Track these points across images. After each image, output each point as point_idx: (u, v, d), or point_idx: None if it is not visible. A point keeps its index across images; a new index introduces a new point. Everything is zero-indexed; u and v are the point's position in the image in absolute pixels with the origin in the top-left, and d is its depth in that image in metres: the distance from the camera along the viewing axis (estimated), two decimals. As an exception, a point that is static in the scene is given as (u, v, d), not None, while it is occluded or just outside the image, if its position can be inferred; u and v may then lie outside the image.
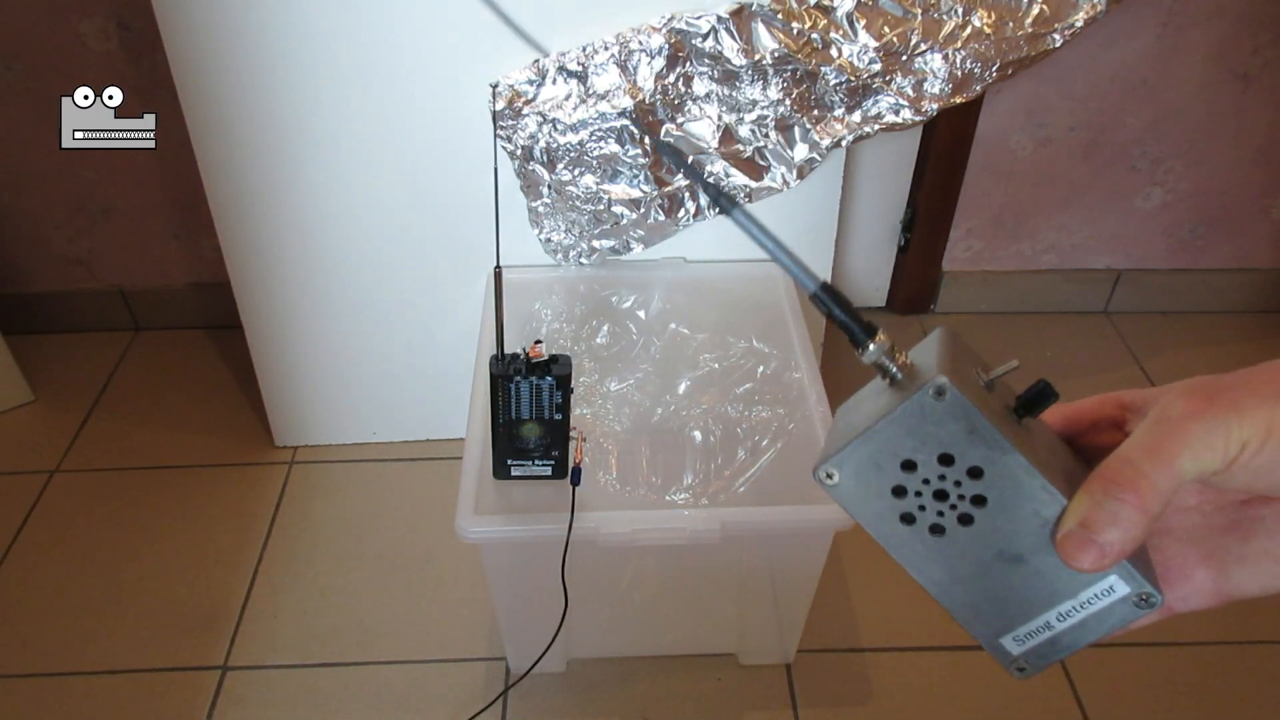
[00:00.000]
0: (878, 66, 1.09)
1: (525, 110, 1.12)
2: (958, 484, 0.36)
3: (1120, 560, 0.33)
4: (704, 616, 1.12)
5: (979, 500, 0.36)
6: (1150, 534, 0.33)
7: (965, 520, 0.36)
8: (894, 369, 0.37)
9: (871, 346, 0.37)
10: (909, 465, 0.36)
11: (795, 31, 1.07)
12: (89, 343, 1.68)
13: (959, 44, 1.08)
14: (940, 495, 0.36)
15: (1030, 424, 0.37)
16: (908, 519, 0.37)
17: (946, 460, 0.35)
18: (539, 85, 1.11)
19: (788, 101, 1.12)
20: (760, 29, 1.07)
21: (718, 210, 1.22)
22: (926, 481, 0.36)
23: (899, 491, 0.36)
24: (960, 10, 1.08)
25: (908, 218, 1.62)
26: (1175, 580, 0.38)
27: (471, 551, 1.06)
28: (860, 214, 1.61)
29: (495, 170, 1.03)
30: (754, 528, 0.95)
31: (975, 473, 0.35)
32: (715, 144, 1.15)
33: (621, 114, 1.11)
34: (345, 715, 1.12)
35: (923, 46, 1.08)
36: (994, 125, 1.50)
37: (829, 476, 0.37)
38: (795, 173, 1.18)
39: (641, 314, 1.24)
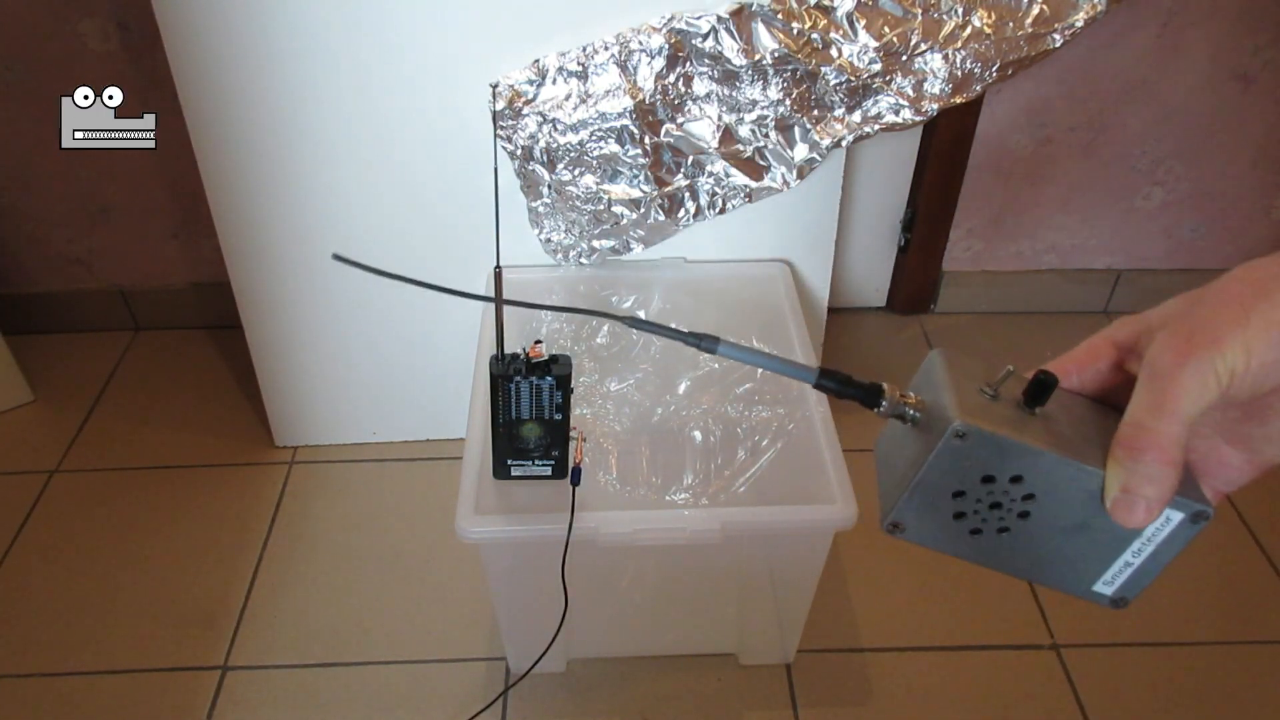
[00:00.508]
0: (878, 66, 1.09)
1: (525, 110, 1.12)
2: (1005, 492, 0.40)
3: (1165, 505, 0.38)
4: (704, 616, 1.12)
5: (1029, 498, 0.40)
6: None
7: (1024, 515, 0.41)
8: (911, 412, 0.42)
9: (884, 404, 0.42)
10: (959, 494, 0.41)
11: (795, 31, 1.07)
12: (89, 343, 1.68)
13: (959, 44, 1.08)
14: (995, 505, 0.41)
15: (1046, 410, 0.41)
16: (975, 532, 0.42)
17: (989, 479, 0.40)
18: (539, 85, 1.11)
19: (788, 101, 1.12)
20: (760, 29, 1.07)
21: (718, 210, 1.22)
22: (979, 500, 0.41)
23: (959, 515, 0.41)
24: (960, 10, 1.08)
25: (908, 218, 1.62)
26: (1214, 469, 0.42)
27: (471, 551, 1.06)
28: (860, 214, 1.61)
29: (495, 170, 1.03)
30: (754, 528, 0.95)
31: (1017, 479, 0.40)
32: (715, 144, 1.15)
33: (622, 114, 1.11)
34: (345, 715, 1.12)
35: (923, 46, 1.08)
36: (994, 125, 1.50)
37: (895, 528, 0.42)
38: (795, 173, 1.18)
39: (641, 314, 1.24)
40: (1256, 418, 0.40)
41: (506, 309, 0.93)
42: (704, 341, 0.42)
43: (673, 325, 0.44)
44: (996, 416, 0.39)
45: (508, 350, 0.90)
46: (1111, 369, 0.42)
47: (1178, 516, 0.40)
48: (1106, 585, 0.43)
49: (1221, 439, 0.41)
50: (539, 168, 1.16)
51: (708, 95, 1.12)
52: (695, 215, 1.22)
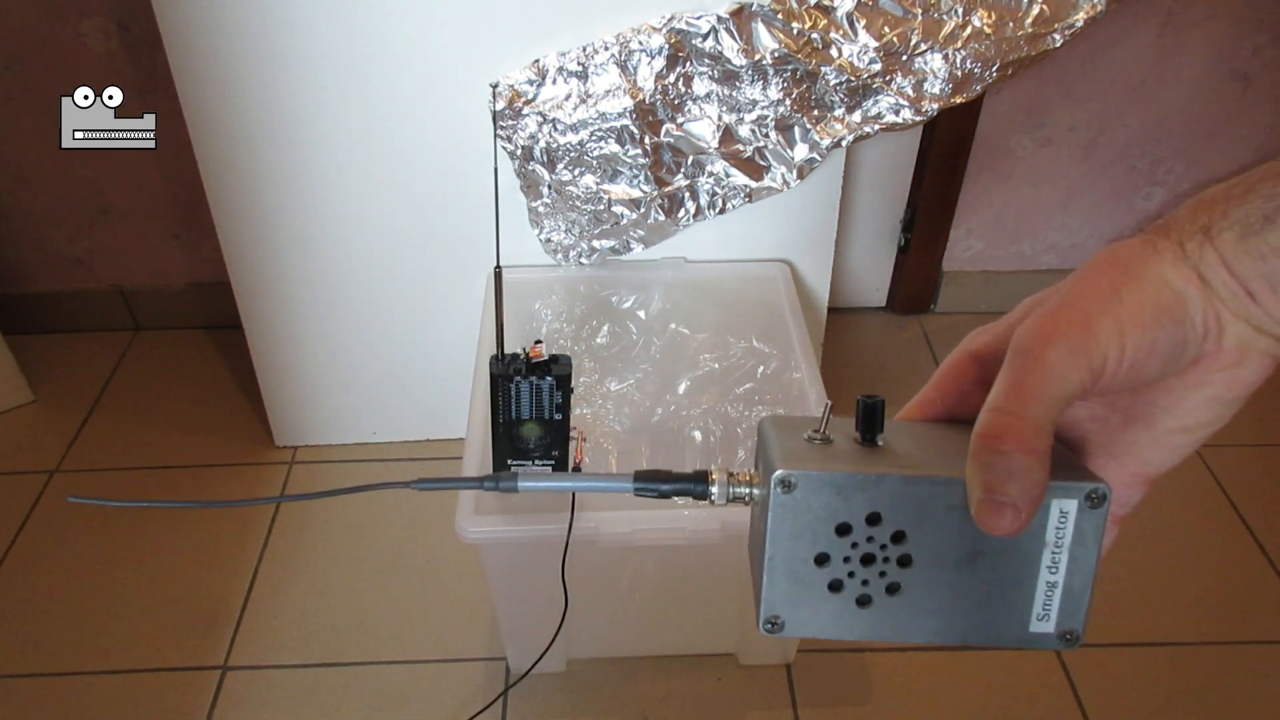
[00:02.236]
0: (878, 66, 1.09)
1: (525, 110, 1.12)
2: (870, 539, 0.34)
3: (1036, 504, 0.31)
4: (704, 616, 1.12)
5: (899, 537, 0.34)
6: (1048, 466, 0.32)
7: (905, 563, 0.35)
8: (746, 491, 0.37)
9: (714, 489, 0.37)
10: (822, 559, 0.35)
11: (795, 31, 1.07)
12: (89, 343, 1.68)
13: (959, 44, 1.08)
14: (867, 560, 0.35)
15: (888, 439, 0.36)
16: (864, 601, 0.35)
17: (844, 530, 0.34)
18: (539, 85, 1.11)
19: (788, 101, 1.12)
20: (760, 29, 1.07)
21: (718, 210, 1.22)
22: (847, 559, 0.35)
23: (835, 587, 0.35)
24: (960, 10, 1.08)
25: (908, 218, 1.62)
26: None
27: (471, 551, 1.06)
28: (860, 214, 1.61)
29: (495, 170, 1.04)
30: (754, 528, 0.95)
31: (874, 519, 0.34)
32: (715, 144, 1.15)
33: (622, 114, 1.11)
34: (345, 715, 1.12)
35: (923, 46, 1.08)
36: (994, 125, 1.50)
37: (773, 624, 0.36)
38: (795, 173, 1.18)
39: (641, 314, 1.24)
40: (1142, 421, 0.35)
41: (506, 308, 0.92)
42: (502, 482, 0.39)
43: (465, 475, 0.40)
44: (827, 456, 0.35)
45: (508, 350, 0.90)
46: (976, 387, 0.36)
47: (1072, 507, 0.34)
48: (1044, 621, 0.36)
49: (1105, 457, 0.37)
50: (539, 168, 1.16)
51: (708, 95, 1.12)
52: (695, 215, 1.22)
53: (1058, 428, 0.33)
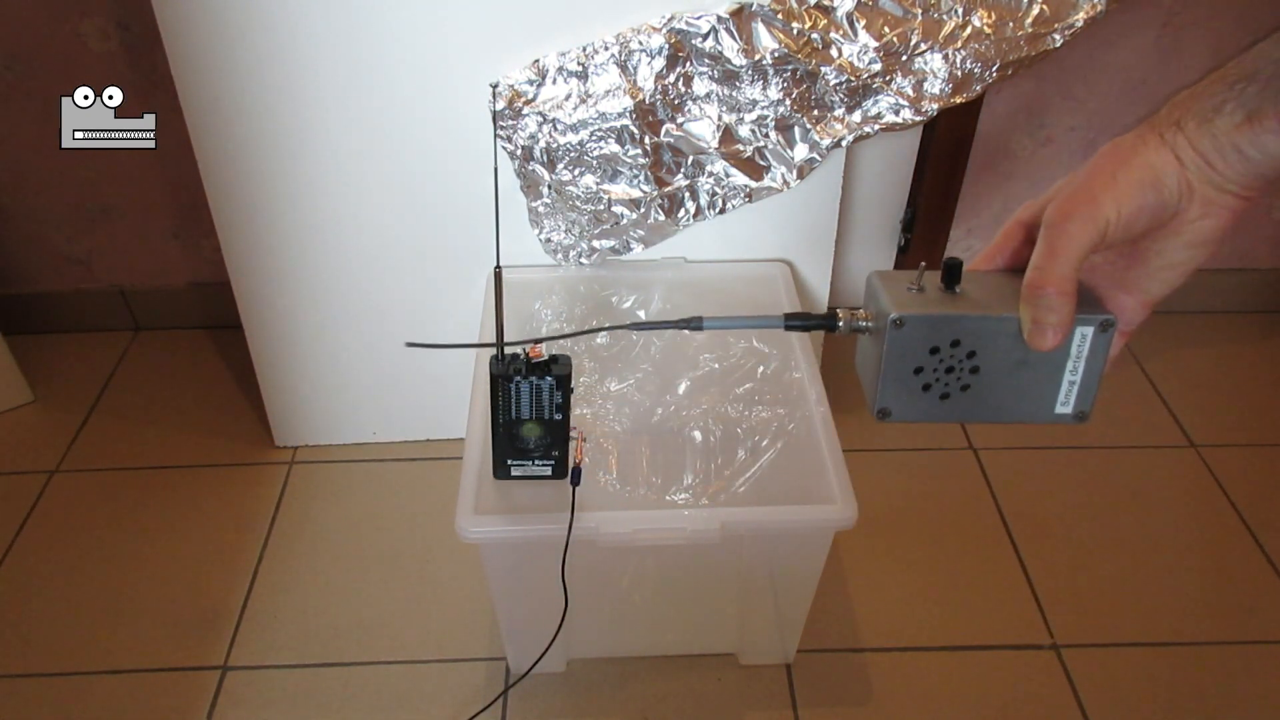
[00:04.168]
0: (878, 66, 1.09)
1: (525, 110, 1.12)
2: (952, 355, 0.52)
3: (1068, 329, 0.49)
4: (704, 616, 1.12)
5: (971, 355, 0.52)
6: (1077, 299, 0.48)
7: (974, 370, 0.52)
8: (864, 324, 0.55)
9: (841, 324, 0.56)
10: (918, 370, 0.52)
11: (795, 31, 1.07)
12: (89, 343, 1.68)
13: (959, 44, 1.08)
14: (949, 370, 0.52)
15: (964, 288, 0.52)
16: (945, 397, 0.53)
17: (935, 350, 0.52)
18: (539, 85, 1.11)
19: (788, 101, 1.12)
20: (760, 29, 1.07)
21: (718, 210, 1.22)
22: (935, 369, 0.52)
23: (926, 387, 0.53)
24: (960, 10, 1.08)
25: (908, 218, 1.62)
26: (1115, 314, 0.52)
27: (471, 551, 1.06)
28: (860, 214, 1.61)
29: (495, 170, 1.04)
30: (754, 528, 0.95)
31: (956, 344, 0.51)
32: (715, 144, 1.15)
33: (622, 114, 1.11)
34: (345, 715, 1.12)
35: (923, 46, 1.08)
36: (994, 125, 1.50)
37: (884, 414, 0.54)
38: (795, 173, 1.18)
39: (641, 314, 1.24)
40: (1140, 263, 0.50)
41: (506, 308, 0.92)
42: (691, 323, 0.57)
43: (666, 320, 0.59)
44: (923, 302, 0.51)
45: (508, 350, 0.90)
46: (1024, 244, 0.52)
47: (1090, 331, 0.50)
48: (1064, 406, 0.53)
49: (1114, 287, 0.52)
50: (539, 168, 1.16)
51: (708, 95, 1.12)
52: (695, 215, 1.22)
53: (1083, 273, 0.48)
